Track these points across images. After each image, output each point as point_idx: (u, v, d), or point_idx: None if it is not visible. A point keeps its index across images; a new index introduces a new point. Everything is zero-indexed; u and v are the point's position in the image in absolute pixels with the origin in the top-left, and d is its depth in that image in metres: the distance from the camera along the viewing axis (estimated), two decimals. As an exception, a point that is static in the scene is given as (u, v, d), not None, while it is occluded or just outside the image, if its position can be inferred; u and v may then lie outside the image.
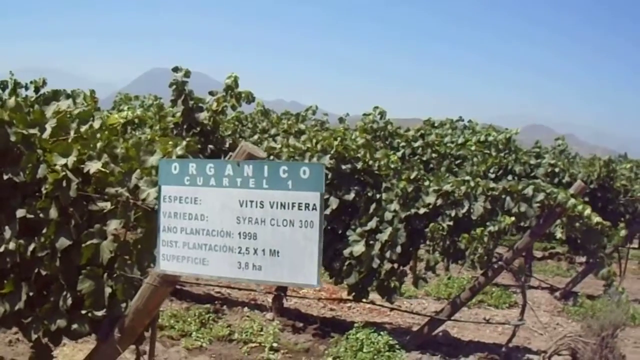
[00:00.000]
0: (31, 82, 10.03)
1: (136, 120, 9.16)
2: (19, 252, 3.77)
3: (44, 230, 3.73)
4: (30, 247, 3.76)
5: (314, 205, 2.78)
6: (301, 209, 2.80)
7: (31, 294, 3.85)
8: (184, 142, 3.51)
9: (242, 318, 7.94)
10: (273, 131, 11.47)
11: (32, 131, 3.84)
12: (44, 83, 10.01)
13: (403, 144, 12.26)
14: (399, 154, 11.92)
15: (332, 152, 7.40)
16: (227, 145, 7.97)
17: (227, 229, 2.94)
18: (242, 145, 2.93)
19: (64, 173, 3.63)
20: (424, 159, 11.96)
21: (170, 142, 3.50)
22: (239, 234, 2.91)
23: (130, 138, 8.10)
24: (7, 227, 3.81)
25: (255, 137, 9.93)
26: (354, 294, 7.29)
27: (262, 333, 7.21)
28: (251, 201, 2.87)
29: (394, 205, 6.99)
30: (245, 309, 8.34)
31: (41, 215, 3.70)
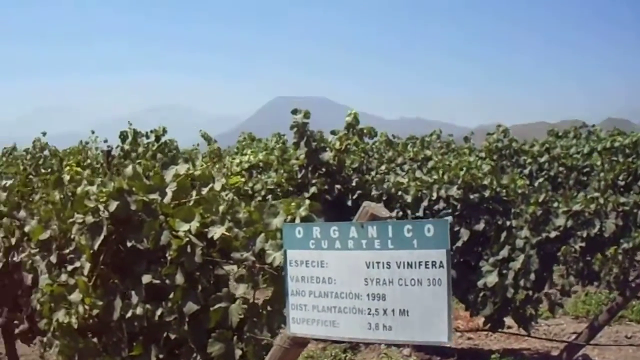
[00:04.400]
0: (151, 132, 10.36)
1: (261, 164, 9.40)
2: (146, 317, 3.81)
3: (171, 295, 3.76)
4: (158, 312, 3.78)
5: (441, 262, 2.73)
6: (428, 267, 2.75)
7: (161, 356, 3.88)
8: (307, 202, 3.53)
9: (379, 356, 7.90)
10: (399, 160, 11.48)
11: (152, 197, 3.92)
12: (164, 131, 10.33)
13: (529, 160, 12.04)
14: (526, 171, 11.73)
15: (459, 182, 7.40)
16: (353, 184, 7.96)
17: (356, 291, 2.92)
18: (364, 206, 2.93)
19: (187, 239, 3.67)
20: (552, 173, 11.68)
21: (293, 204, 3.53)
22: (368, 295, 2.89)
23: (256, 182, 8.30)
24: (133, 293, 3.86)
25: (383, 167, 9.98)
26: (489, 324, 7.17)
27: (400, 370, 7.16)
28: (378, 262, 2.85)
29: (525, 232, 6.85)
30: (382, 346, 8.29)
31: (167, 281, 3.74)
